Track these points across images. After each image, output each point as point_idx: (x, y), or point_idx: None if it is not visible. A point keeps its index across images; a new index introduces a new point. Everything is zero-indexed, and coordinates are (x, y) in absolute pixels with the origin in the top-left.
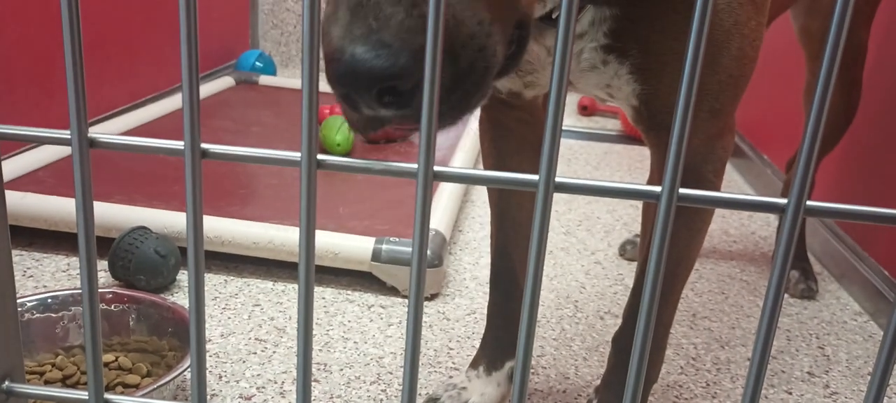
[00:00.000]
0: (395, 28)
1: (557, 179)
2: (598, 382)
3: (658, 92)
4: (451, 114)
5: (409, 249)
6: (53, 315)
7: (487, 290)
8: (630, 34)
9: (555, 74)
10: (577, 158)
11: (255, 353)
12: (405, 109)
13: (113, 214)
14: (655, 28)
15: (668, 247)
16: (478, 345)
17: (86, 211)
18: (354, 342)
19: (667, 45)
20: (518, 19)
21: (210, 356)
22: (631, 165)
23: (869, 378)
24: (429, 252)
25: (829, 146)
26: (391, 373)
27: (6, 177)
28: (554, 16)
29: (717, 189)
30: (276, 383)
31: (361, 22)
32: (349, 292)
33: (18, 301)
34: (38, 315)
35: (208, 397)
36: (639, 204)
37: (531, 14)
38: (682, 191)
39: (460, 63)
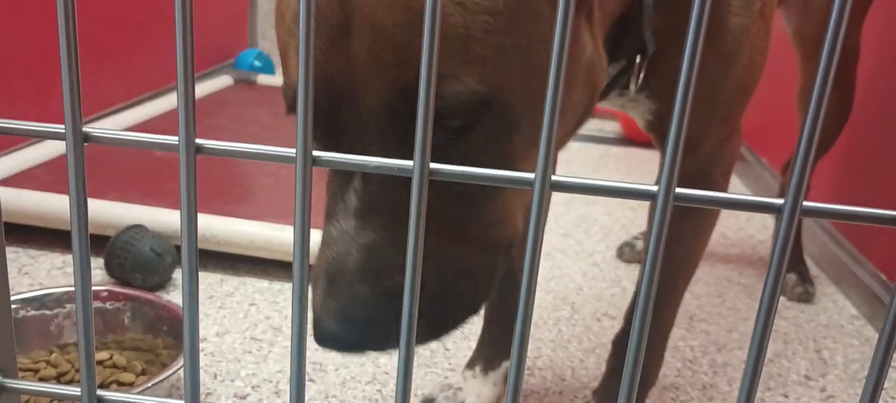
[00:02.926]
0: (361, 306)
1: (554, 178)
2: (595, 384)
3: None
4: (427, 333)
5: None
6: (48, 312)
7: None
8: (651, 69)
9: (552, 71)
10: (574, 160)
11: (251, 352)
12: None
13: (109, 212)
14: (675, 64)
15: (673, 249)
16: (474, 345)
17: (79, 206)
18: None
19: None
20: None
21: (205, 354)
22: (629, 168)
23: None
24: None
25: (825, 148)
26: (387, 373)
27: (2, 173)
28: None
29: (725, 190)
30: (271, 382)
31: (335, 298)
32: None
33: (13, 298)
34: (32, 312)
35: (203, 396)
36: (637, 206)
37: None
38: (679, 190)
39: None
